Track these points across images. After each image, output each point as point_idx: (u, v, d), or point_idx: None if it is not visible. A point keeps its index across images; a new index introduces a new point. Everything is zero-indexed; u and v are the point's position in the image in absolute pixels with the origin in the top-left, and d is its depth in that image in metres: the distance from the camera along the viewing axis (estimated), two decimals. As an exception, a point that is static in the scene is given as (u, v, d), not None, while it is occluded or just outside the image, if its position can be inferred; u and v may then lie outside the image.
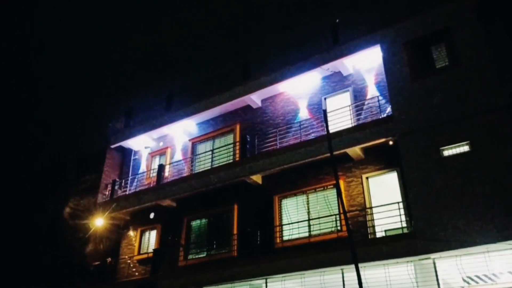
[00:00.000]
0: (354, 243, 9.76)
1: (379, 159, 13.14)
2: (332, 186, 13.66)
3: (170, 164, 18.53)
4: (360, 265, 9.82)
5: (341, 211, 12.81)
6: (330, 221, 13.21)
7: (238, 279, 13.36)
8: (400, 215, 11.68)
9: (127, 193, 18.95)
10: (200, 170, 16.89)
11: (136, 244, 17.87)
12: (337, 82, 15.32)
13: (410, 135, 11.94)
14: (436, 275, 10.53)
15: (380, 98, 13.95)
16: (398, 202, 11.85)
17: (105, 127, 21.32)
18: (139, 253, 17.62)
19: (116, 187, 18.99)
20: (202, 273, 14.30)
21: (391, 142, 12.70)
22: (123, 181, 19.55)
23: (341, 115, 14.15)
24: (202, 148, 18.13)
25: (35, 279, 19.17)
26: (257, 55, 19.73)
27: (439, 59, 12.59)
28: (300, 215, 13.96)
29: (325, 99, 15.33)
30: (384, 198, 12.70)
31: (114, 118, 21.82)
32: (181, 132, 19.04)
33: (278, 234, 14.00)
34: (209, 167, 16.81)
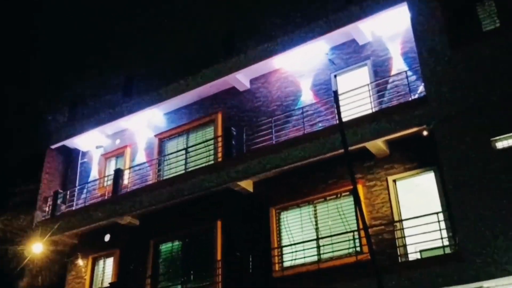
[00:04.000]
0: (379, 268, 9.76)
1: (410, 156, 13.10)
2: (347, 193, 13.63)
3: (130, 168, 18.55)
4: (388, 299, 9.72)
5: (361, 226, 12.61)
6: (346, 240, 13.18)
7: (224, 320, 13.42)
8: (440, 230, 11.61)
9: (73, 208, 18.90)
10: (171, 176, 16.90)
11: (87, 277, 17.87)
12: (351, 54, 15.26)
13: (451, 123, 11.85)
14: (490, 310, 10.47)
15: (409, 73, 13.89)
16: (437, 213, 11.81)
17: (43, 122, 21.31)
18: (91, 289, 17.70)
19: (59, 201, 18.97)
20: (175, 314, 14.27)
21: (425, 133, 12.62)
22: (68, 192, 19.53)
23: (357, 98, 14.04)
24: (172, 146, 18.11)
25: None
26: (243, 21, 19.48)
27: (486, 20, 12.49)
28: (306, 233, 13.98)
29: (335, 76, 15.30)
30: (418, 207, 12.57)
31: (54, 109, 21.74)
32: (144, 125, 19.00)
33: (276, 259, 14.02)
34: (183, 171, 16.74)
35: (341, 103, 12.71)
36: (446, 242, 11.60)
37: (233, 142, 15.82)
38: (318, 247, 13.46)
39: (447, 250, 11.53)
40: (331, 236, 13.27)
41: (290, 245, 13.84)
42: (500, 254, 10.38)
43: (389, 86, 14.14)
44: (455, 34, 12.49)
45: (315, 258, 13.38)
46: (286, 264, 13.78)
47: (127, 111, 18.87)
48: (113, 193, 17.78)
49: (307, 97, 15.55)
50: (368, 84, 14.18)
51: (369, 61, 14.80)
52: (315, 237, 13.62)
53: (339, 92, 14.14)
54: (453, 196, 11.32)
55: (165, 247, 16.58)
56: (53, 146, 20.17)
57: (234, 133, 15.97)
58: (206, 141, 16.96)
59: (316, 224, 13.79)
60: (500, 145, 11.14)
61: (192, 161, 16.93)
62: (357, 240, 12.93)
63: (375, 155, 13.40)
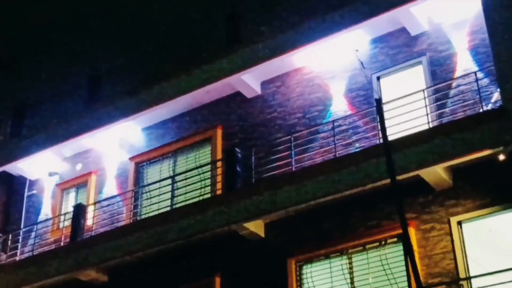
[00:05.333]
0: None
1: (481, 188, 13.12)
2: (395, 240, 13.62)
3: (95, 204, 18.63)
4: None
5: (413, 286, 12.40)
6: (394, 305, 13.22)
7: None
8: (524, 290, 11.59)
9: (17, 258, 19.01)
10: (152, 215, 16.95)
11: None
12: (400, 48, 15.46)
13: (537, 142, 11.92)
14: None
15: (480, 75, 13.94)
16: (519, 267, 11.79)
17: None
18: None
19: (-2, 248, 19.09)
20: None
21: (502, 157, 12.62)
22: (11, 236, 19.61)
23: (408, 108, 14.14)
24: (154, 173, 18.29)
25: None
26: (253, 1, 19.69)
27: None
28: (338, 294, 14.06)
29: (378, 79, 15.47)
30: (492, 260, 12.58)
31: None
32: (116, 144, 19.21)
33: (296, 331, 14.03)
34: (168, 208, 16.88)
35: (386, 115, 12.79)
36: (531, 308, 11.56)
37: (238, 169, 15.84)
38: (355, 314, 13.54)
39: (533, 319, 11.48)
40: (372, 299, 13.38)
41: (316, 311, 13.95)
42: None
43: (452, 92, 14.21)
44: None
45: (351, 329, 13.50)
46: (310, 337, 13.92)
47: (91, 124, 18.90)
48: (71, 238, 17.72)
49: (339, 106, 15.68)
50: (423, 90, 14.19)
51: (424, 58, 14.89)
52: (351, 300, 13.74)
53: (384, 100, 14.45)
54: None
55: (143, 313, 16.61)
56: (-11, 173, 20.38)
57: (239, 155, 16.03)
58: (201, 166, 17.01)
59: (352, 283, 13.77)
60: None
61: (181, 195, 17.02)
62: (408, 305, 12.91)
63: (433, 187, 13.40)
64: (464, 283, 12.54)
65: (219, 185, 16.32)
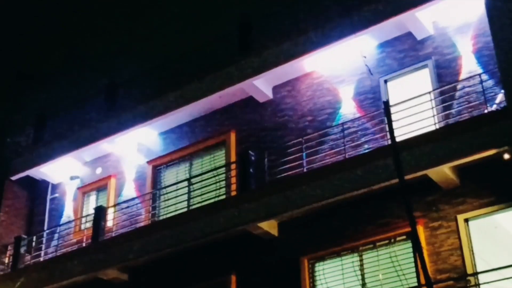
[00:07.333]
0: None
1: (487, 186, 13.08)
2: (404, 237, 13.63)
3: (115, 206, 18.74)
4: None
5: (422, 282, 12.65)
6: (404, 300, 13.15)
7: None
8: (529, 286, 11.53)
9: (41, 259, 19.06)
10: (169, 216, 16.99)
11: None
12: (406, 52, 15.43)
13: (541, 142, 11.86)
14: None
15: (484, 77, 13.92)
16: (525, 263, 11.74)
17: (0, 145, 21.49)
18: None
19: (23, 250, 19.07)
20: None
21: (506, 156, 12.62)
22: (35, 238, 19.70)
23: (415, 110, 14.11)
24: (171, 176, 18.33)
25: None
26: (263, 9, 19.63)
27: None
28: (350, 290, 13.93)
29: (386, 82, 15.43)
30: (499, 256, 12.58)
31: (15, 128, 22.06)
32: (134, 148, 19.34)
33: (310, 326, 13.99)
34: (185, 210, 16.94)
35: (394, 117, 12.74)
36: (537, 303, 11.49)
37: (251, 170, 15.83)
38: (366, 309, 13.49)
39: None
40: (383, 294, 13.33)
41: (329, 307, 13.89)
42: None
43: (457, 94, 14.19)
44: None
45: (362, 324, 13.46)
46: (323, 332, 13.89)
47: (110, 129, 19.04)
48: (93, 239, 17.79)
49: (348, 109, 15.68)
50: (430, 92, 14.20)
51: (430, 61, 14.86)
52: (362, 296, 13.66)
53: (391, 102, 14.26)
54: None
55: (162, 310, 16.62)
56: (13, 178, 20.43)
57: (253, 158, 16.00)
58: (216, 169, 17.07)
59: (363, 279, 13.76)
60: None
61: (197, 196, 17.06)
62: (418, 301, 12.87)
63: (440, 186, 13.37)
64: (471, 278, 12.50)
65: (233, 187, 16.32)
